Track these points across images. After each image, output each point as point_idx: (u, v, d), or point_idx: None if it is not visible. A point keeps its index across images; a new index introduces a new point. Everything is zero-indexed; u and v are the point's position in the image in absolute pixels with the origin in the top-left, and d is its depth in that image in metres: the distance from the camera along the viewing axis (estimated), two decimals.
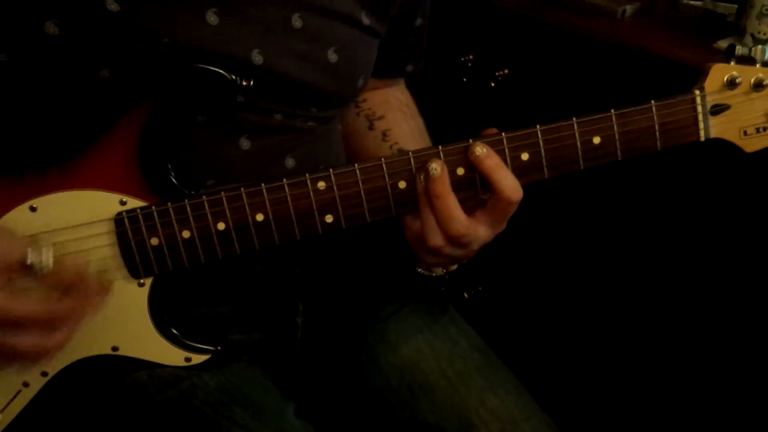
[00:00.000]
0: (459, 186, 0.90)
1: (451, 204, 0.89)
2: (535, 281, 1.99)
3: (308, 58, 0.97)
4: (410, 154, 0.90)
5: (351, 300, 1.16)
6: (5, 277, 0.80)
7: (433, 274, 1.04)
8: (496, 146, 0.90)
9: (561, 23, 1.72)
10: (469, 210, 0.91)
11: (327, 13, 0.98)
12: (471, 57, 1.92)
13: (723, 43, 1.55)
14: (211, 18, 0.90)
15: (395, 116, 1.19)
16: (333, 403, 1.14)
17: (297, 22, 0.95)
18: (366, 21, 1.03)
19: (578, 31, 1.68)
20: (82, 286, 0.84)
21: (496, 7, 1.83)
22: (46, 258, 0.81)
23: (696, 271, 1.63)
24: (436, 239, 0.91)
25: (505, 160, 0.90)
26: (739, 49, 0.87)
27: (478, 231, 0.92)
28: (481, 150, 0.89)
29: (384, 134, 1.17)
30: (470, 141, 0.90)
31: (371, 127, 1.18)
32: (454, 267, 1.03)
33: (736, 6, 1.60)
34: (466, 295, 2.08)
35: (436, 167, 0.89)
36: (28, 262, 0.81)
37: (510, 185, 0.89)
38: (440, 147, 0.90)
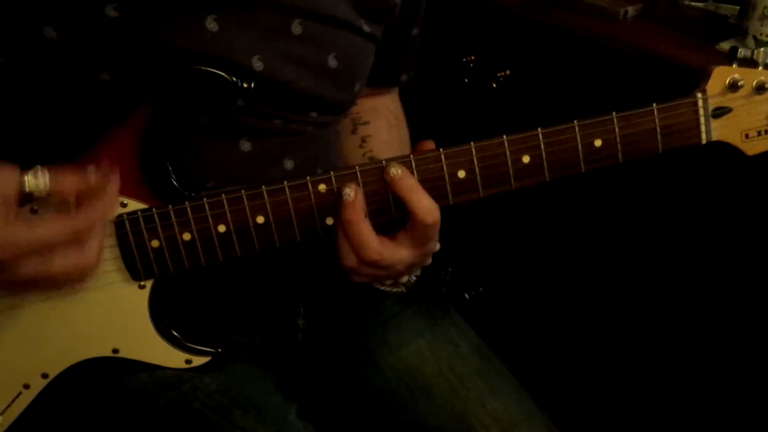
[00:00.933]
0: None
1: (363, 231, 0.88)
2: (536, 283, 1.99)
3: (308, 65, 0.98)
4: (357, 167, 0.89)
5: (352, 302, 1.16)
6: (13, 209, 0.78)
7: (383, 289, 1.03)
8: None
9: (563, 24, 1.72)
10: (390, 231, 0.91)
11: (326, 20, 0.98)
12: (473, 58, 1.92)
13: (725, 45, 1.55)
14: (211, 24, 0.90)
15: (379, 124, 1.20)
16: (334, 404, 1.14)
17: (297, 28, 0.95)
18: (367, 29, 1.03)
19: (580, 32, 1.68)
20: (88, 192, 0.82)
21: (497, 8, 1.83)
22: (42, 180, 0.80)
23: (697, 273, 1.63)
24: (350, 260, 0.90)
25: (505, 163, 0.89)
26: (742, 52, 0.87)
27: (398, 253, 0.91)
28: (395, 171, 0.88)
29: (363, 140, 1.17)
30: (383, 162, 0.89)
31: (354, 131, 1.18)
32: (404, 281, 1.02)
33: (738, 7, 1.60)
34: (467, 296, 2.08)
35: (350, 192, 0.87)
36: (27, 189, 0.79)
37: (424, 207, 0.88)
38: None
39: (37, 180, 0.79)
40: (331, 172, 0.89)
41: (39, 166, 0.80)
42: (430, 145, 0.90)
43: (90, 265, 0.83)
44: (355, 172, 0.89)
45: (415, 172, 0.89)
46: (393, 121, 1.22)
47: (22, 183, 0.79)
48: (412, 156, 0.89)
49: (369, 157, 1.16)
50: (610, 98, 0.91)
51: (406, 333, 1.13)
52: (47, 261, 0.79)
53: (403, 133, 1.23)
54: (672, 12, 1.76)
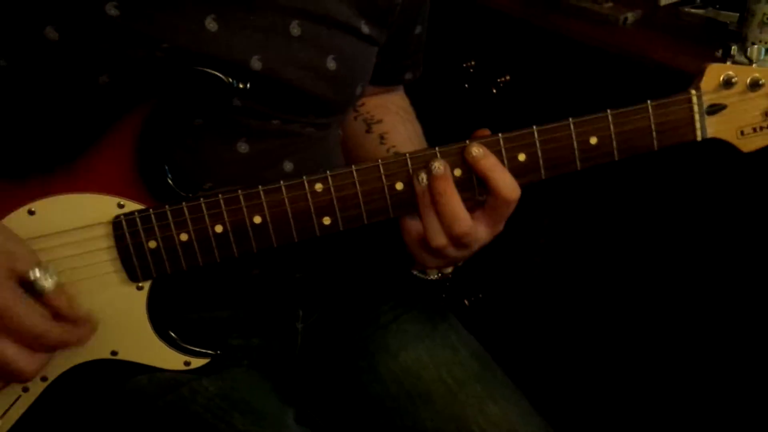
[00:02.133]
0: (457, 187, 0.90)
1: (456, 202, 0.89)
2: (535, 288, 1.98)
3: (307, 66, 0.98)
4: (407, 155, 0.90)
5: (351, 306, 1.16)
6: (12, 283, 0.81)
7: (429, 277, 1.04)
8: (493, 147, 0.90)
9: (563, 30, 1.72)
10: (468, 210, 0.91)
11: (326, 21, 0.98)
12: (473, 63, 1.93)
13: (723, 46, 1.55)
14: (210, 24, 0.91)
15: (393, 120, 1.20)
16: (332, 409, 1.13)
17: (295, 29, 0.96)
18: (365, 29, 1.04)
19: (580, 38, 1.68)
20: (72, 319, 0.85)
21: (498, 14, 1.83)
22: (49, 281, 0.82)
23: (697, 278, 1.62)
24: (440, 239, 0.91)
25: (502, 161, 0.90)
26: (735, 50, 0.87)
27: (479, 231, 0.92)
28: (477, 150, 0.89)
29: (381, 137, 1.17)
30: (466, 142, 0.90)
31: (369, 131, 1.18)
32: (450, 270, 1.03)
33: (738, 14, 1.60)
34: (466, 302, 2.07)
35: (439, 166, 0.88)
36: (32, 278, 0.81)
37: (507, 185, 0.89)
38: (437, 148, 0.90)
39: (45, 278, 0.82)
40: (327, 172, 0.89)
41: (53, 268, 0.83)
42: (485, 132, 0.92)
43: (24, 375, 0.85)
44: (351, 171, 0.89)
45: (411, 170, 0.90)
46: (404, 116, 1.23)
47: (30, 269, 0.82)
48: (407, 155, 0.90)
49: (394, 152, 1.15)
50: (609, 104, 0.91)
51: (406, 338, 1.13)
52: (3, 339, 0.82)
53: (417, 126, 1.23)
54: (672, 19, 1.76)
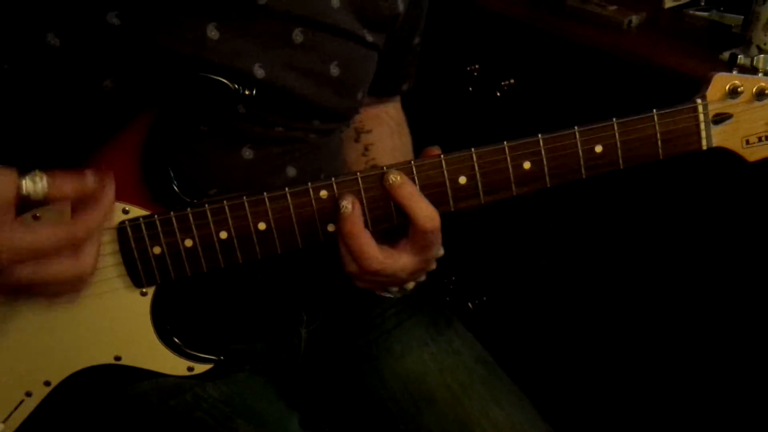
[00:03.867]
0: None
1: (364, 242, 0.88)
2: (540, 292, 1.98)
3: (310, 73, 0.98)
4: (358, 174, 0.89)
5: (354, 311, 1.16)
6: (11, 213, 0.78)
7: (389, 296, 1.03)
8: (492, 156, 0.89)
9: (567, 33, 1.72)
10: (392, 238, 0.91)
11: (327, 29, 0.98)
12: (477, 66, 1.92)
13: (729, 55, 1.55)
14: (212, 32, 0.91)
15: (382, 132, 1.20)
16: (337, 413, 1.13)
17: (298, 37, 0.96)
18: (367, 36, 1.04)
19: (584, 41, 1.68)
20: (85, 198, 0.82)
21: (502, 17, 1.83)
22: (40, 185, 0.79)
23: (702, 282, 1.62)
24: (352, 267, 0.91)
25: (507, 169, 0.90)
26: (741, 59, 0.87)
27: (400, 261, 0.91)
28: (394, 178, 0.88)
29: (366, 148, 1.18)
30: (383, 168, 0.89)
31: (357, 140, 1.19)
32: (410, 286, 1.01)
33: (743, 17, 1.60)
34: (470, 305, 2.07)
35: (347, 204, 0.87)
36: (24, 192, 0.79)
37: (423, 214, 0.88)
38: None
39: (35, 184, 0.79)
40: (332, 179, 0.89)
41: (37, 171, 0.80)
42: (436, 151, 0.91)
43: (85, 272, 0.83)
44: (357, 179, 0.89)
45: (416, 178, 0.90)
46: (395, 128, 1.22)
47: (19, 187, 0.79)
48: (413, 162, 0.90)
49: (372, 165, 1.16)
50: (614, 108, 0.91)
51: (410, 342, 1.13)
52: (43, 267, 0.79)
53: (406, 140, 1.23)
54: (676, 22, 1.76)
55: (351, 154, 1.19)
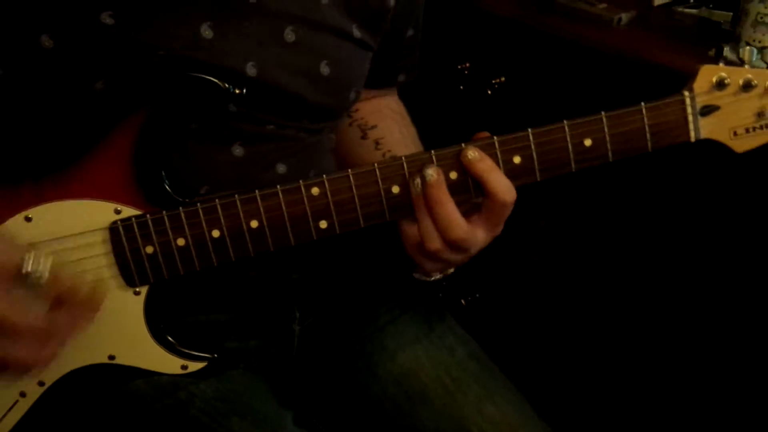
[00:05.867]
0: (453, 190, 0.90)
1: (450, 209, 0.90)
2: (533, 288, 1.99)
3: (301, 71, 0.98)
4: (403, 159, 0.90)
5: (348, 307, 1.16)
6: (4, 285, 0.80)
7: (430, 279, 1.04)
8: (489, 150, 0.90)
9: (557, 31, 1.73)
10: (465, 214, 0.92)
11: (319, 27, 0.99)
12: (468, 65, 1.93)
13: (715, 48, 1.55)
14: (206, 32, 0.91)
15: (387, 125, 1.20)
16: (331, 410, 1.13)
17: (290, 35, 0.96)
18: (358, 35, 1.04)
19: (574, 39, 1.69)
20: (77, 299, 0.84)
21: (492, 15, 1.84)
22: (43, 267, 0.81)
23: (694, 275, 1.63)
24: (435, 243, 0.91)
25: (497, 164, 0.90)
26: (727, 51, 0.87)
27: (477, 235, 0.92)
28: (473, 154, 0.89)
29: (377, 142, 1.17)
30: (462, 145, 0.90)
31: (364, 137, 1.18)
32: (451, 270, 1.03)
33: (731, 14, 1.60)
34: (463, 302, 2.08)
35: (432, 173, 0.89)
36: (25, 270, 0.81)
37: (503, 188, 0.90)
38: (433, 152, 0.90)
39: (38, 266, 0.81)
40: (324, 176, 0.90)
41: (43, 252, 0.82)
42: (485, 134, 0.92)
43: (41, 364, 0.85)
44: (348, 175, 0.89)
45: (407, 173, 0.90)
46: (400, 120, 1.23)
47: (22, 263, 0.81)
48: (404, 158, 0.90)
49: (390, 156, 1.15)
50: (604, 104, 0.91)
51: (403, 339, 1.13)
52: (12, 344, 0.82)
53: (412, 130, 1.23)
54: (665, 19, 1.77)
55: (363, 152, 1.18)
